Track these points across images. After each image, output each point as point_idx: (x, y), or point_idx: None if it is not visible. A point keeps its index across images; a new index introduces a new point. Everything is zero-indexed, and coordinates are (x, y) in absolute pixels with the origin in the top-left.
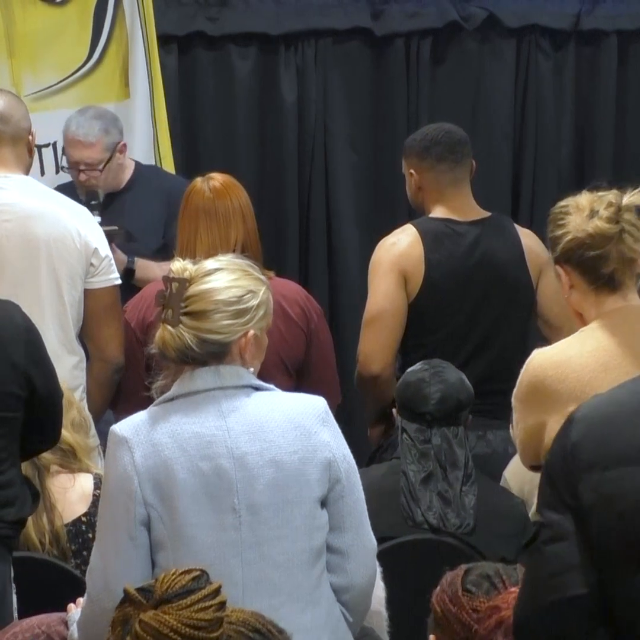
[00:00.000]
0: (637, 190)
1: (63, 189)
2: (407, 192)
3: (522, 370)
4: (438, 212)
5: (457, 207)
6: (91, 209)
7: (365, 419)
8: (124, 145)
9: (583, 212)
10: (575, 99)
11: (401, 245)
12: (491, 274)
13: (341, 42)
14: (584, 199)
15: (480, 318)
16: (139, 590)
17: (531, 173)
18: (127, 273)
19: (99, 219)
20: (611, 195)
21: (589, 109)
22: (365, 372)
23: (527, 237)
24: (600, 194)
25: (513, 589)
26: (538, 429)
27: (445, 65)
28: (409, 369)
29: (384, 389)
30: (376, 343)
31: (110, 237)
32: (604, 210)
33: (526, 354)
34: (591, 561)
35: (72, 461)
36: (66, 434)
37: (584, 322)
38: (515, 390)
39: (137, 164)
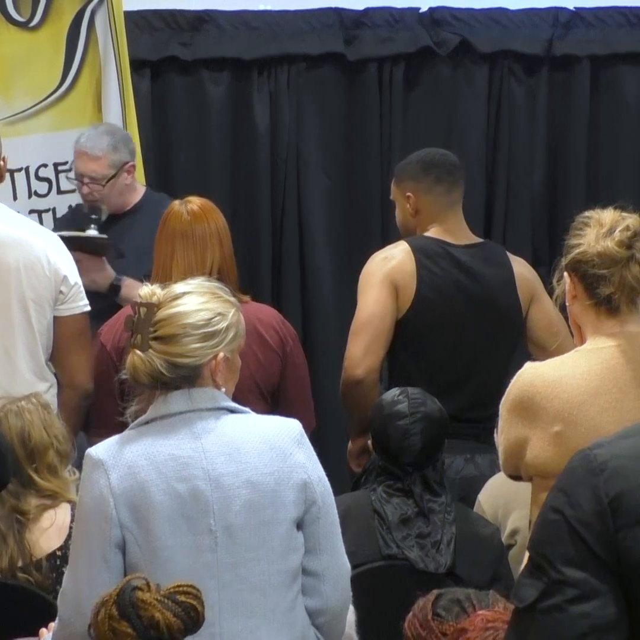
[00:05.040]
0: None
1: (79, 207)
2: (397, 218)
3: (512, 381)
4: (432, 232)
5: (451, 229)
6: (91, 222)
7: (348, 430)
8: (133, 166)
9: (601, 228)
10: (548, 124)
11: (394, 260)
12: (481, 298)
13: (314, 67)
14: (607, 215)
15: (468, 341)
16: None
17: (504, 198)
18: (113, 290)
19: (95, 232)
20: (632, 220)
21: (562, 134)
22: (349, 378)
23: (518, 264)
24: (625, 214)
25: (481, 612)
26: (520, 444)
27: (418, 90)
28: (383, 396)
29: (366, 395)
30: (362, 349)
31: (101, 249)
32: (619, 232)
33: (509, 379)
34: (627, 619)
35: (55, 499)
36: (45, 483)
37: (581, 335)
38: (503, 398)
39: (148, 190)
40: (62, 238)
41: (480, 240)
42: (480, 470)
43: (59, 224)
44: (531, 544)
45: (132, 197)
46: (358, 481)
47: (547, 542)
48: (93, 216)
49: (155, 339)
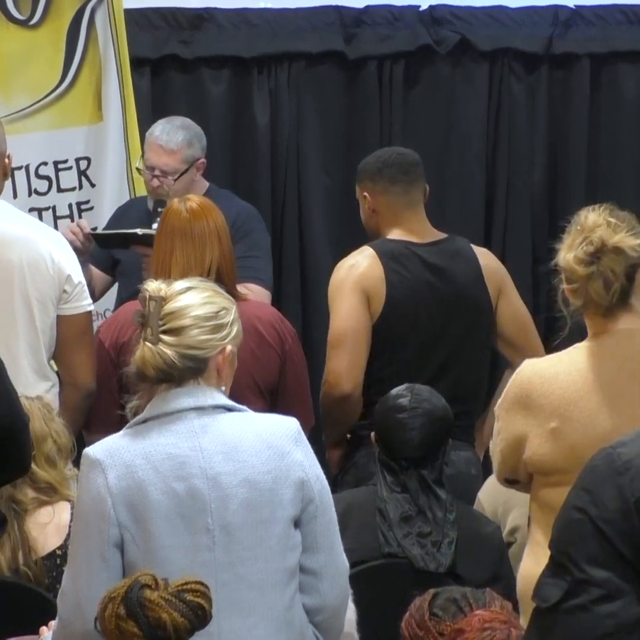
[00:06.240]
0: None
1: (136, 201)
2: (361, 218)
3: (511, 380)
4: (394, 234)
5: (413, 229)
6: (158, 216)
7: (323, 441)
8: (203, 163)
9: (577, 236)
10: (548, 122)
11: (361, 266)
12: (451, 296)
13: (314, 65)
14: (591, 219)
15: (441, 340)
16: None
17: (504, 196)
18: None
19: None
20: (602, 231)
21: (562, 132)
22: (336, 392)
23: (484, 256)
24: (609, 218)
25: (478, 612)
26: (519, 441)
27: (418, 88)
28: (391, 391)
29: (352, 409)
30: (345, 362)
31: None
32: (582, 248)
33: (485, 376)
34: None
35: (51, 494)
36: (42, 472)
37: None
38: (500, 399)
39: (211, 186)
40: (137, 235)
41: (444, 235)
42: (456, 468)
43: (116, 216)
44: (554, 543)
45: (196, 193)
46: (334, 480)
47: (571, 542)
48: (159, 209)
49: (165, 331)
